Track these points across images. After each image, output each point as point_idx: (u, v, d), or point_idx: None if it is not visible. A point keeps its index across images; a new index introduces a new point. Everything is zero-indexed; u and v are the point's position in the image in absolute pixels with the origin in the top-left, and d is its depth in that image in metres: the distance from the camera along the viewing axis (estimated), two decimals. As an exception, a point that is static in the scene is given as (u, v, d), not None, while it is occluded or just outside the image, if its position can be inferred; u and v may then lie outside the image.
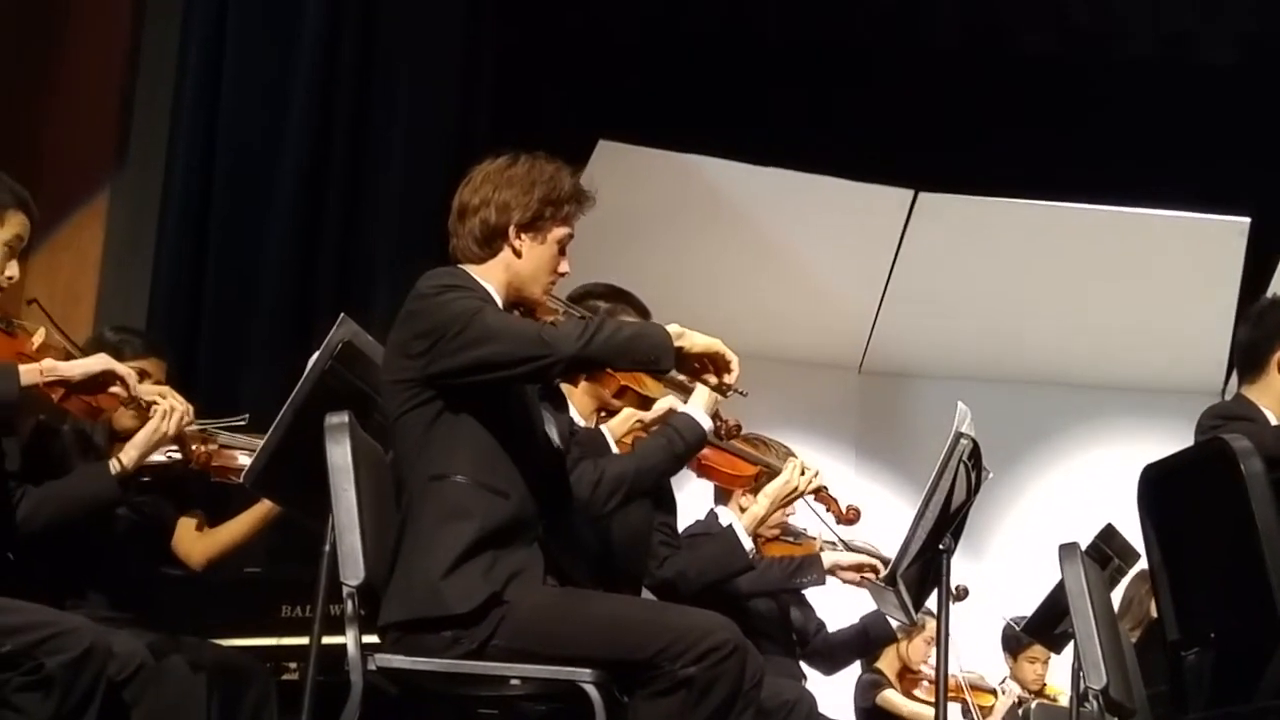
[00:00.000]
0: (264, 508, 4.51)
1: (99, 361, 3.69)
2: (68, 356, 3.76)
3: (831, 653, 5.61)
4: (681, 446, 3.77)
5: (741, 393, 3.41)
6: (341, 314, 3.87)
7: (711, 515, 4.98)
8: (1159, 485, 3.69)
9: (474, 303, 3.31)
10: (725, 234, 8.30)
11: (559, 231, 3.53)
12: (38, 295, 3.85)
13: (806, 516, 5.17)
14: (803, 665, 5.42)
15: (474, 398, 3.31)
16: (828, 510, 4.90)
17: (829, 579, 5.07)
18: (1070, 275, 8.59)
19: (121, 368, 3.71)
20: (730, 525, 4.58)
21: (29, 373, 3.54)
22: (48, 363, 3.60)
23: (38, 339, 3.75)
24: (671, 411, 3.88)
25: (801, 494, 4.61)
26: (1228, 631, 3.49)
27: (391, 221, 6.58)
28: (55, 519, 3.82)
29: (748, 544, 4.48)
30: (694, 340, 3.31)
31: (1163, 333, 8.75)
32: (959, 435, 3.70)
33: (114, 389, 3.70)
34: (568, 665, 3.17)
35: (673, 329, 3.28)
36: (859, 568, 5.03)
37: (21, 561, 3.75)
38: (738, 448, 4.54)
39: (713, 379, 3.35)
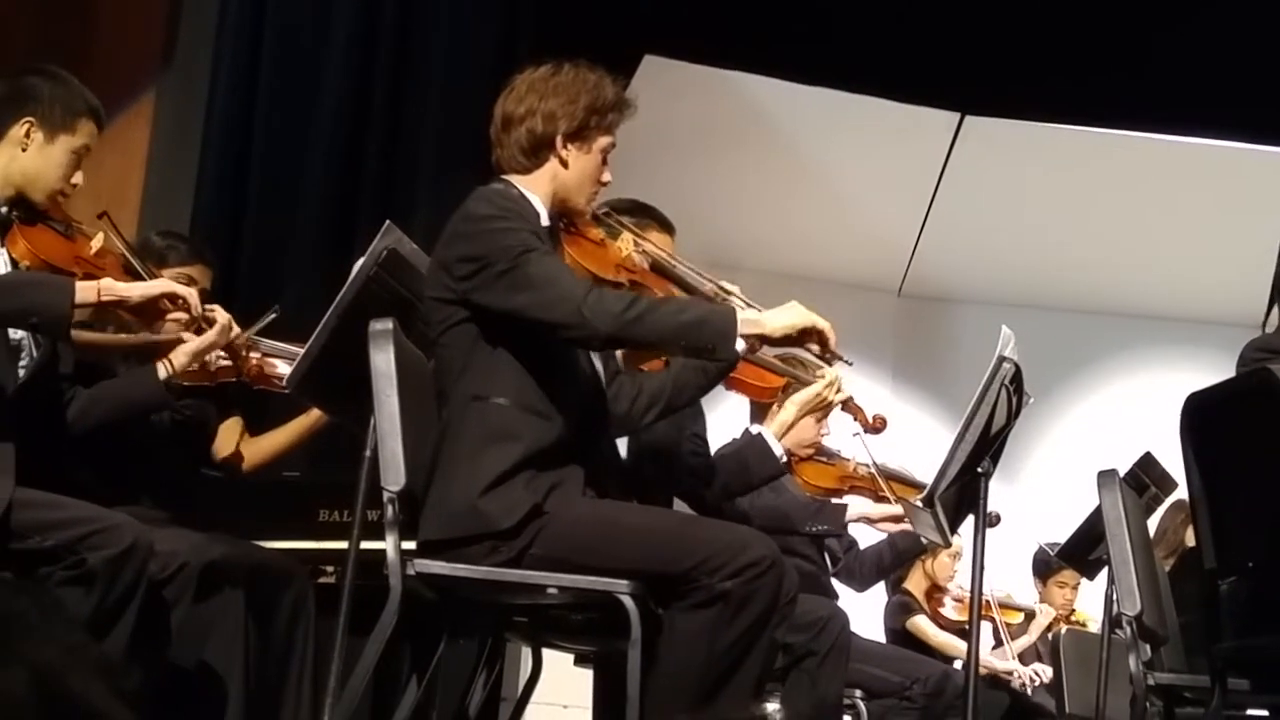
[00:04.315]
0: (308, 420, 4.54)
1: (160, 285, 3.55)
2: (126, 266, 3.77)
3: (862, 569, 5.64)
4: (715, 366, 3.77)
5: (847, 361, 3.35)
6: (387, 220, 3.87)
7: (747, 433, 4.98)
8: (1202, 414, 3.67)
9: (524, 237, 3.28)
10: (768, 152, 8.26)
11: (603, 140, 3.52)
12: (84, 192, 3.82)
13: (842, 440, 5.20)
14: (834, 583, 5.45)
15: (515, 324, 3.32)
16: (855, 420, 4.89)
17: (868, 523, 5.12)
18: (1115, 204, 8.54)
19: (183, 288, 3.57)
20: (760, 433, 4.57)
21: (85, 290, 3.39)
22: (106, 282, 3.45)
23: (96, 243, 3.73)
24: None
25: (830, 404, 4.59)
26: (1266, 562, 3.48)
27: (434, 131, 6.56)
28: (105, 420, 3.85)
29: (778, 450, 4.49)
30: (776, 324, 3.26)
31: (1206, 264, 8.71)
32: (1002, 359, 3.68)
33: (174, 314, 3.57)
34: (605, 575, 3.19)
35: (749, 315, 3.26)
36: (893, 519, 5.07)
37: (68, 460, 3.78)
38: (765, 359, 4.52)
39: (815, 347, 3.32)
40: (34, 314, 3.40)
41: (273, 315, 4.25)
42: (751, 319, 3.25)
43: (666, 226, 4.29)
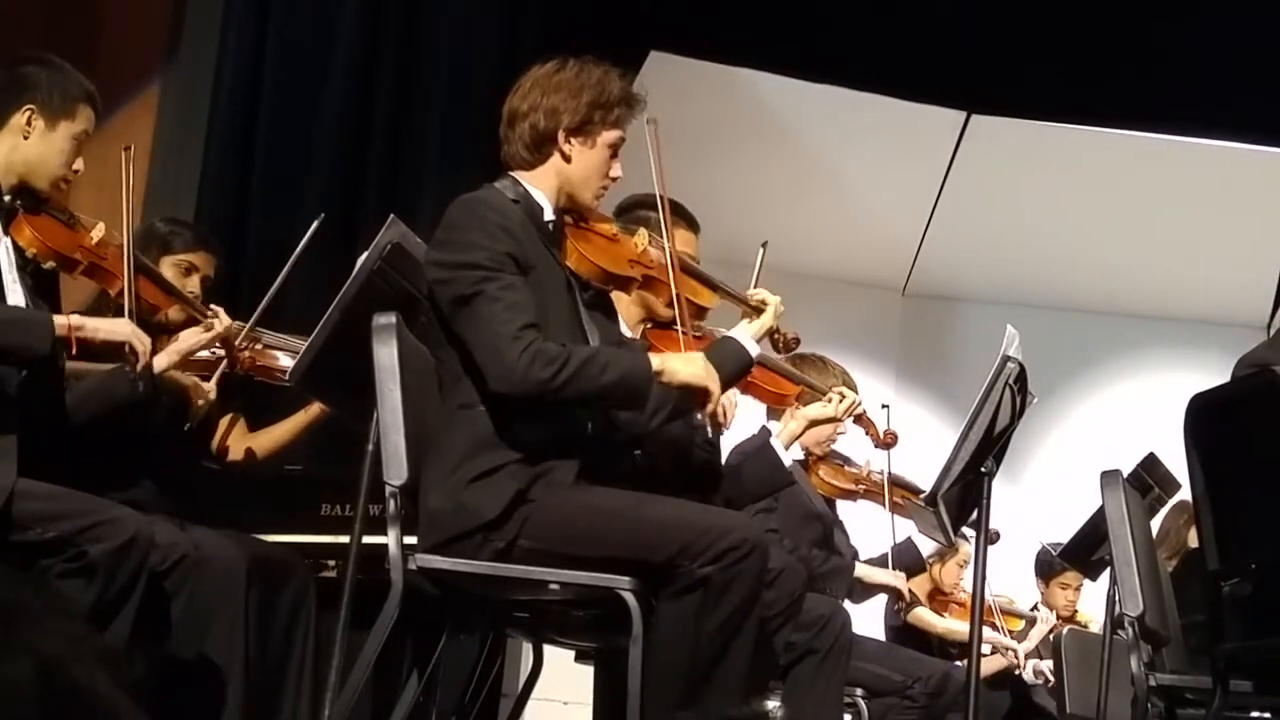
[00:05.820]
0: (308, 415, 4.53)
1: (123, 332, 3.60)
2: (121, 255, 3.77)
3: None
4: (723, 370, 3.75)
5: (710, 439, 3.40)
6: (391, 215, 3.87)
7: (764, 431, 4.97)
8: (1206, 415, 3.66)
9: (491, 256, 3.28)
10: (773, 150, 8.25)
11: (609, 135, 3.52)
12: (88, 184, 3.84)
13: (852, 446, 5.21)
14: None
15: None
16: (866, 434, 4.89)
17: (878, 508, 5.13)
18: (1121, 203, 8.53)
19: (141, 344, 3.61)
20: (769, 442, 4.56)
21: (58, 325, 3.47)
22: (76, 319, 3.51)
23: (97, 233, 3.76)
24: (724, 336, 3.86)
25: (838, 420, 4.58)
26: (1269, 563, 3.48)
27: (439, 126, 6.56)
28: (95, 415, 3.85)
29: (786, 458, 4.48)
30: (680, 375, 3.36)
31: (1212, 264, 8.69)
32: (1006, 358, 3.69)
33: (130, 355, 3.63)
34: (591, 565, 3.19)
35: (653, 361, 3.33)
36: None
37: (67, 451, 3.77)
38: (782, 366, 4.51)
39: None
40: (14, 353, 3.43)
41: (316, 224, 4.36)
42: (659, 366, 3.34)
43: (691, 224, 4.29)
